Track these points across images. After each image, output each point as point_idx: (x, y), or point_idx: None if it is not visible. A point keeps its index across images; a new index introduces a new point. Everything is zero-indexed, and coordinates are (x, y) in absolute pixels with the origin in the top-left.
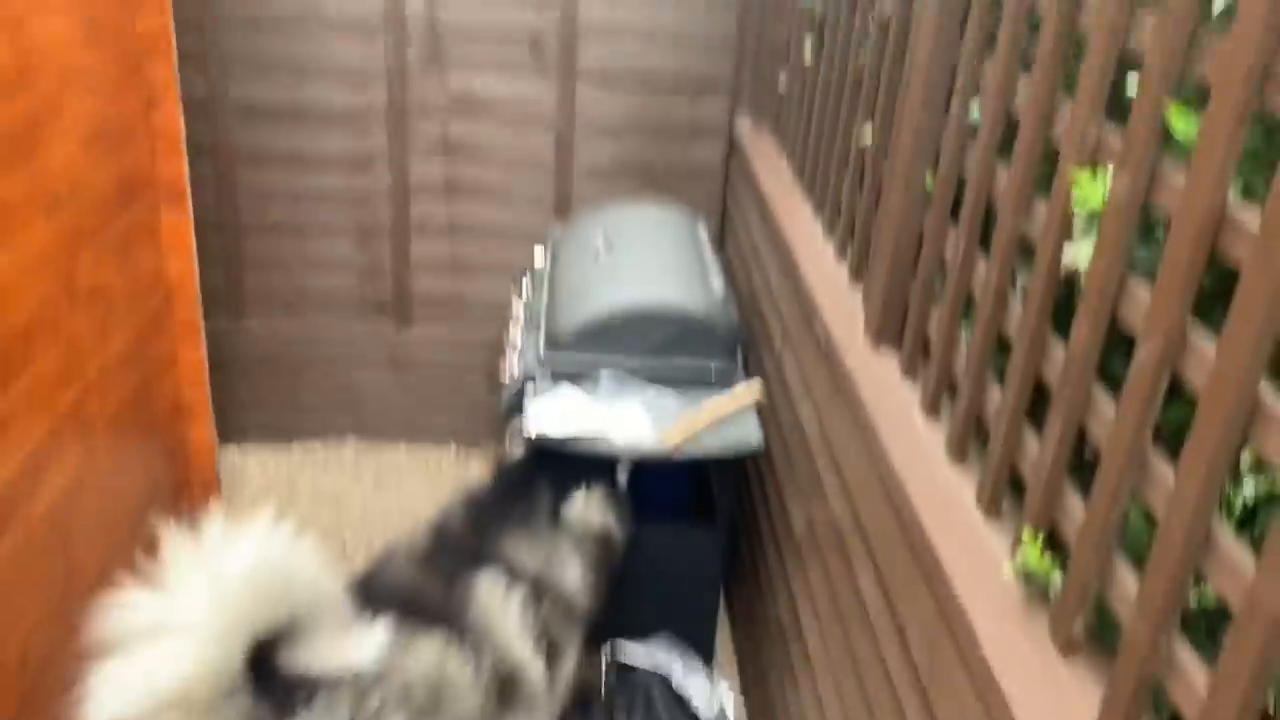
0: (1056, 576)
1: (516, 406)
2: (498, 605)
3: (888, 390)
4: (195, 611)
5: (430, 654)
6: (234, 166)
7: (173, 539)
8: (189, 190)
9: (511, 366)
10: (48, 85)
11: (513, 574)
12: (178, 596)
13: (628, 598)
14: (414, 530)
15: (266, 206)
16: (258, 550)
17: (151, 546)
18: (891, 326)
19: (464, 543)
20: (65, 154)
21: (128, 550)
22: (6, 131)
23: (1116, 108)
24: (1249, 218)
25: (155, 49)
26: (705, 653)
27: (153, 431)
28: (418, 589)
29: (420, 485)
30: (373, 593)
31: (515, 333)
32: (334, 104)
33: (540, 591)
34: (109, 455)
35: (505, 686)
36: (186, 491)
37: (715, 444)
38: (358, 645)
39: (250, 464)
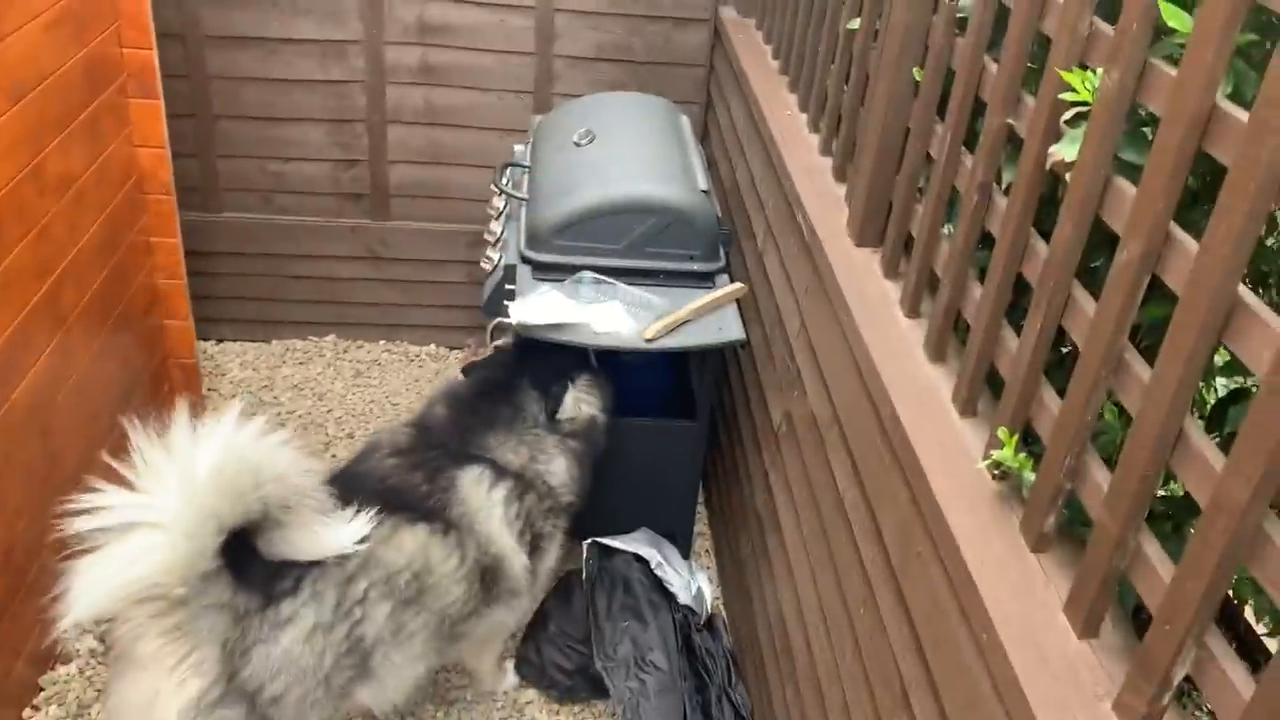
0: (1029, 474)
1: (498, 300)
2: (481, 500)
3: (869, 288)
4: (166, 507)
5: (414, 545)
6: (204, 52)
7: (142, 436)
8: (159, 76)
9: (493, 261)
10: None
11: (496, 470)
12: (148, 493)
13: (609, 491)
14: (396, 427)
15: (238, 93)
16: (225, 444)
17: (128, 438)
18: (874, 224)
19: (447, 439)
20: (27, 39)
21: (107, 440)
22: None
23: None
24: (1238, 116)
25: None
26: (684, 543)
27: (130, 322)
28: (400, 483)
29: (400, 380)
30: (354, 485)
31: (496, 226)
32: None
33: (524, 487)
34: (86, 345)
35: (488, 577)
36: (166, 382)
37: (694, 337)
38: (339, 534)
39: (230, 359)
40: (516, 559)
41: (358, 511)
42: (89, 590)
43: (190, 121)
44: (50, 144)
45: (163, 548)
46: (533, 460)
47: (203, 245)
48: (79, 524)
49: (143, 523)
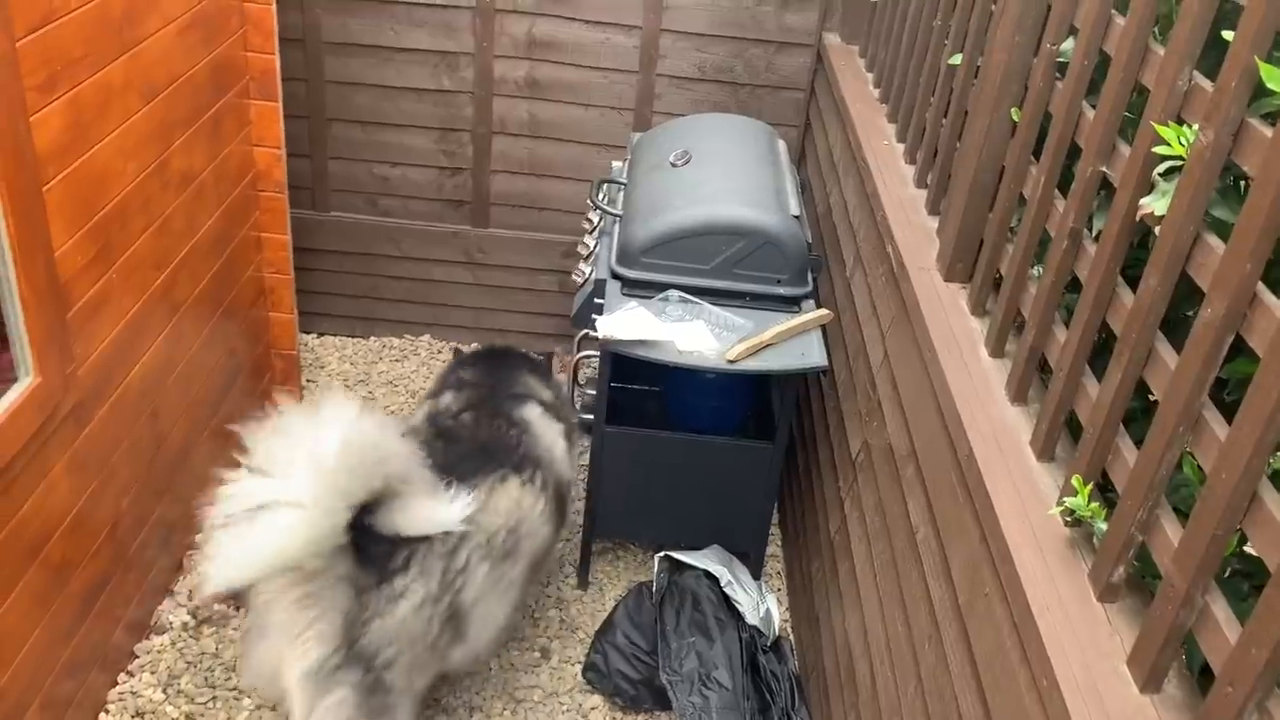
0: (1102, 523)
1: (586, 313)
2: (550, 433)
3: (955, 324)
4: (305, 487)
5: (508, 502)
6: (322, 58)
7: (270, 421)
8: (279, 79)
9: (584, 274)
10: None
11: (545, 405)
12: (284, 475)
13: (683, 506)
14: (424, 401)
15: (353, 99)
16: (350, 426)
17: (233, 422)
18: (964, 260)
19: (492, 391)
20: (162, 42)
21: (210, 424)
22: (107, 20)
23: (1211, 55)
24: None
25: None
26: (755, 564)
27: (237, 312)
28: (486, 436)
29: None
30: (449, 443)
31: (590, 241)
32: None
33: (561, 415)
34: (195, 333)
35: (559, 505)
36: (267, 371)
37: (777, 361)
38: (447, 511)
39: (330, 352)
40: (573, 483)
41: (459, 487)
42: (237, 560)
43: (305, 123)
44: (176, 141)
45: (305, 524)
46: (558, 396)
47: (310, 242)
48: (224, 505)
49: (285, 502)
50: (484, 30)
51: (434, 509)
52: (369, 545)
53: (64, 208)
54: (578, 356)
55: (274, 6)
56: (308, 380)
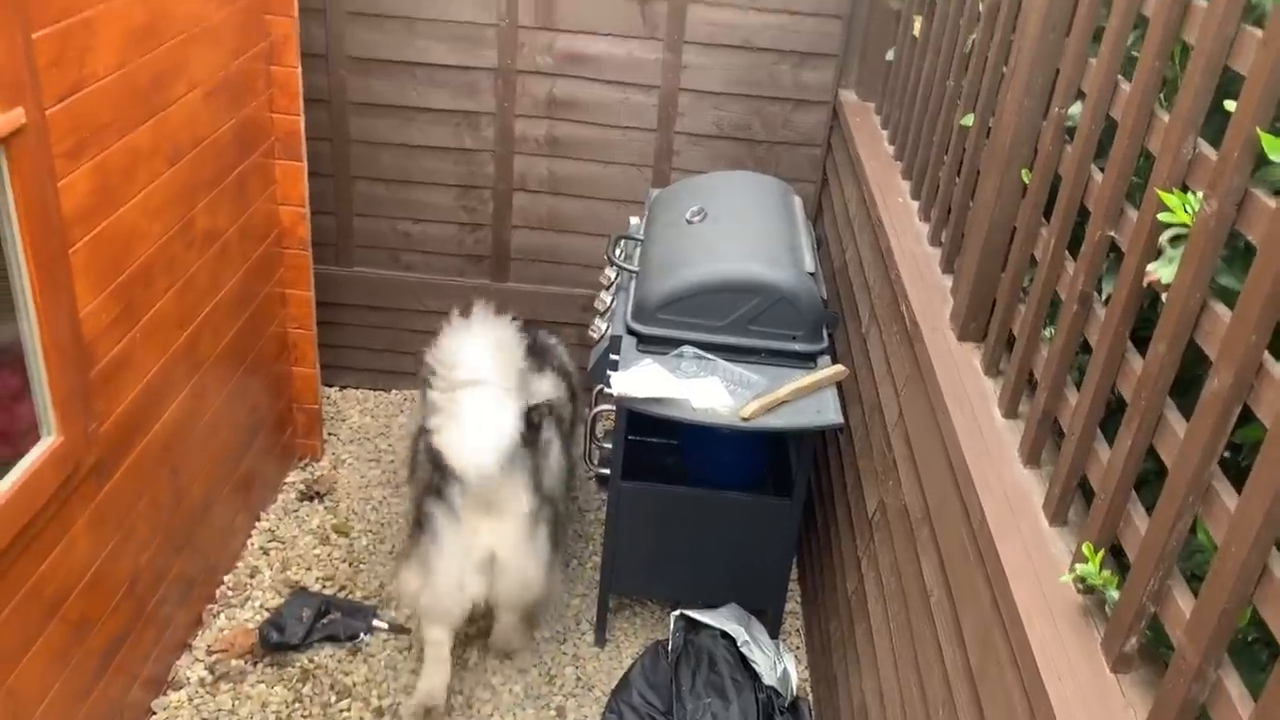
0: (1114, 591)
1: (602, 369)
2: (559, 346)
3: (968, 384)
4: (500, 374)
5: (550, 387)
6: (347, 118)
7: (455, 330)
8: (304, 139)
9: (600, 330)
10: (175, 40)
11: (547, 333)
12: (481, 371)
13: (700, 563)
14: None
15: (376, 157)
16: (501, 334)
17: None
18: (978, 319)
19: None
20: (189, 106)
21: (232, 479)
22: (137, 86)
23: (1214, 121)
24: None
25: (278, 3)
26: (773, 622)
27: (260, 368)
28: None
29: None
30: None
31: (606, 297)
32: (446, 60)
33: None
34: (218, 389)
35: (573, 398)
36: (289, 425)
37: (792, 419)
38: (546, 382)
39: (351, 405)
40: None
41: (544, 372)
42: (489, 444)
43: (330, 181)
44: (201, 201)
45: (508, 399)
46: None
47: (332, 297)
48: (451, 374)
49: (492, 383)
50: (505, 91)
51: (543, 381)
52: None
53: (89, 269)
54: (595, 411)
55: (299, 69)
56: (329, 434)
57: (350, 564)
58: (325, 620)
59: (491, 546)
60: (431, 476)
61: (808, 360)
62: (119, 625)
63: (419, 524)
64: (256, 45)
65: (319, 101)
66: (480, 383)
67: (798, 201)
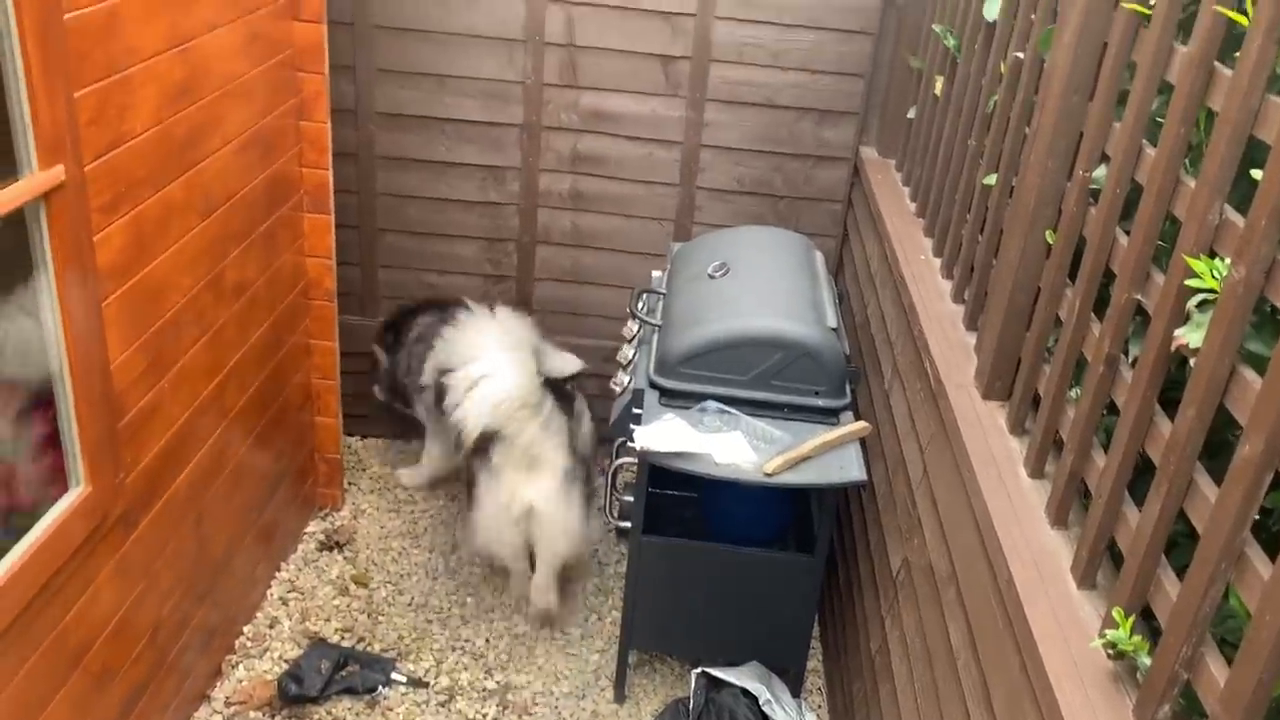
0: (1145, 657)
1: (624, 423)
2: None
3: (993, 443)
4: (508, 355)
5: (572, 363)
6: (374, 171)
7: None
8: (332, 192)
9: (622, 384)
10: (210, 96)
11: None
12: (485, 349)
13: (721, 620)
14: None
15: (403, 210)
16: (508, 322)
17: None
18: (1002, 378)
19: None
20: (222, 160)
21: (254, 528)
22: (173, 141)
23: (1241, 187)
24: None
25: (309, 60)
26: (795, 680)
27: (285, 417)
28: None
29: None
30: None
31: (629, 350)
32: (473, 116)
33: None
34: (243, 439)
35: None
36: (311, 475)
37: (815, 475)
38: (570, 357)
39: (372, 455)
40: None
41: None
42: (491, 399)
43: (355, 233)
44: (231, 254)
45: (520, 371)
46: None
47: (356, 346)
48: (463, 373)
49: (501, 358)
50: (531, 146)
51: (565, 358)
52: (552, 388)
53: (121, 321)
54: (616, 464)
55: (329, 125)
56: (349, 483)
57: (369, 615)
58: (344, 672)
59: (531, 500)
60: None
61: (830, 416)
62: (140, 675)
63: (468, 483)
64: (288, 101)
65: (347, 155)
66: (492, 353)
67: (819, 257)
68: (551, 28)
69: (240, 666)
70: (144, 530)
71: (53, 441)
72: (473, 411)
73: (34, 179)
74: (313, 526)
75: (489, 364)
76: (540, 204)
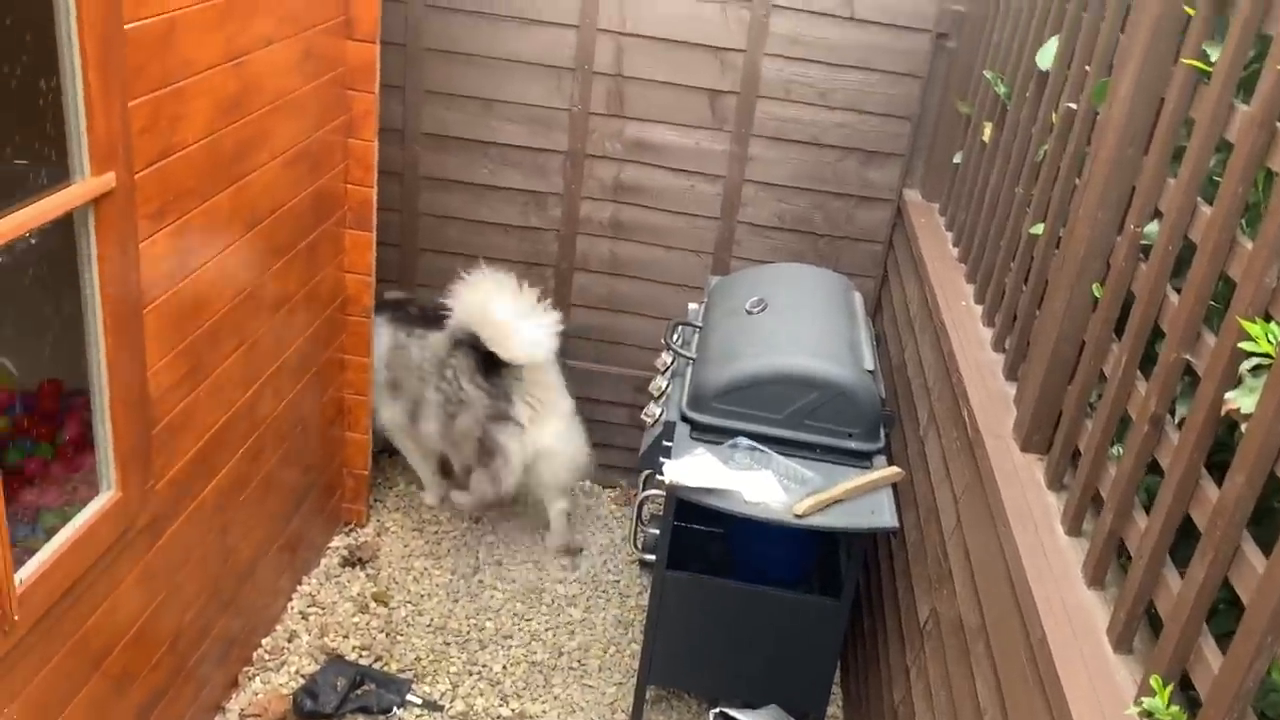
0: None
1: (654, 455)
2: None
3: (1030, 497)
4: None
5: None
6: (418, 191)
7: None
8: (375, 211)
9: (654, 415)
10: (261, 110)
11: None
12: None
13: (741, 661)
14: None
15: (444, 230)
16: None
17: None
18: (1042, 432)
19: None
20: (269, 174)
21: (279, 539)
22: (222, 153)
23: None
24: None
25: (360, 79)
26: None
27: (315, 432)
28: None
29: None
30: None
31: (661, 382)
32: (518, 141)
33: None
34: (274, 450)
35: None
36: (338, 489)
37: (846, 519)
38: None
39: (398, 471)
40: None
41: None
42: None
43: (397, 251)
44: (273, 267)
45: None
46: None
47: None
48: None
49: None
50: (574, 173)
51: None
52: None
53: (161, 329)
54: (642, 495)
55: (375, 143)
56: (374, 500)
57: (388, 634)
58: (359, 691)
59: (544, 445)
60: (485, 409)
61: (863, 459)
62: (158, 682)
63: (485, 449)
64: (337, 118)
65: (392, 174)
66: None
67: (858, 298)
68: (601, 58)
69: (257, 679)
70: (170, 537)
71: (83, 443)
72: (523, 350)
73: (85, 184)
74: (336, 541)
75: (519, 318)
76: (580, 231)
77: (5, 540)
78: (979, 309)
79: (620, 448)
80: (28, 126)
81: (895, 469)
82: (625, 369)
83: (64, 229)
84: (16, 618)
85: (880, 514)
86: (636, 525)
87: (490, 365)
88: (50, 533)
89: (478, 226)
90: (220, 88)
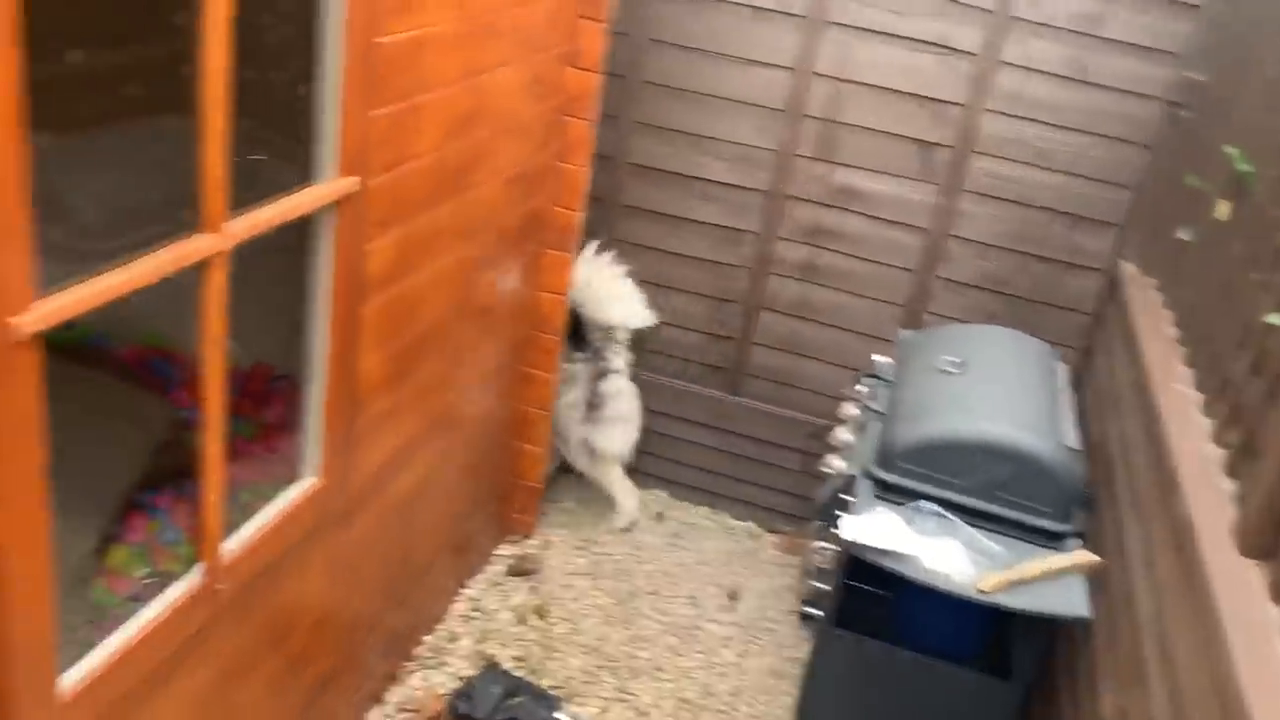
0: None
1: (832, 508)
2: None
3: (1250, 608)
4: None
5: None
6: (617, 218)
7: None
8: (578, 235)
9: (834, 467)
10: (489, 130)
11: None
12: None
13: None
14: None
15: (638, 258)
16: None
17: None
18: (1269, 537)
19: None
20: (489, 191)
21: (452, 542)
22: (448, 167)
23: None
24: None
25: (580, 106)
26: None
27: (497, 442)
28: None
29: (713, 548)
30: None
31: (844, 433)
32: (721, 177)
33: None
34: (460, 455)
35: None
36: (512, 501)
37: (1033, 601)
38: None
39: (566, 490)
40: None
41: None
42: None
43: None
44: (480, 281)
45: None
46: None
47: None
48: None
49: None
50: (772, 213)
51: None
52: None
53: (375, 328)
54: (814, 546)
55: (588, 169)
56: (542, 514)
57: (544, 648)
58: (513, 701)
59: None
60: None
61: (1055, 540)
62: (329, 667)
63: (593, 405)
64: (554, 143)
65: (594, 199)
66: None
67: (1062, 369)
68: (814, 101)
69: (416, 675)
70: (358, 530)
71: (282, 426)
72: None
73: (333, 185)
74: (503, 550)
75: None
76: (771, 271)
77: (220, 514)
78: (1199, 397)
79: (785, 492)
80: (271, 127)
81: (1094, 557)
82: (800, 413)
83: (296, 225)
84: (222, 587)
85: (1073, 601)
86: (802, 576)
87: (577, 336)
88: (245, 508)
89: (671, 257)
90: (453, 105)
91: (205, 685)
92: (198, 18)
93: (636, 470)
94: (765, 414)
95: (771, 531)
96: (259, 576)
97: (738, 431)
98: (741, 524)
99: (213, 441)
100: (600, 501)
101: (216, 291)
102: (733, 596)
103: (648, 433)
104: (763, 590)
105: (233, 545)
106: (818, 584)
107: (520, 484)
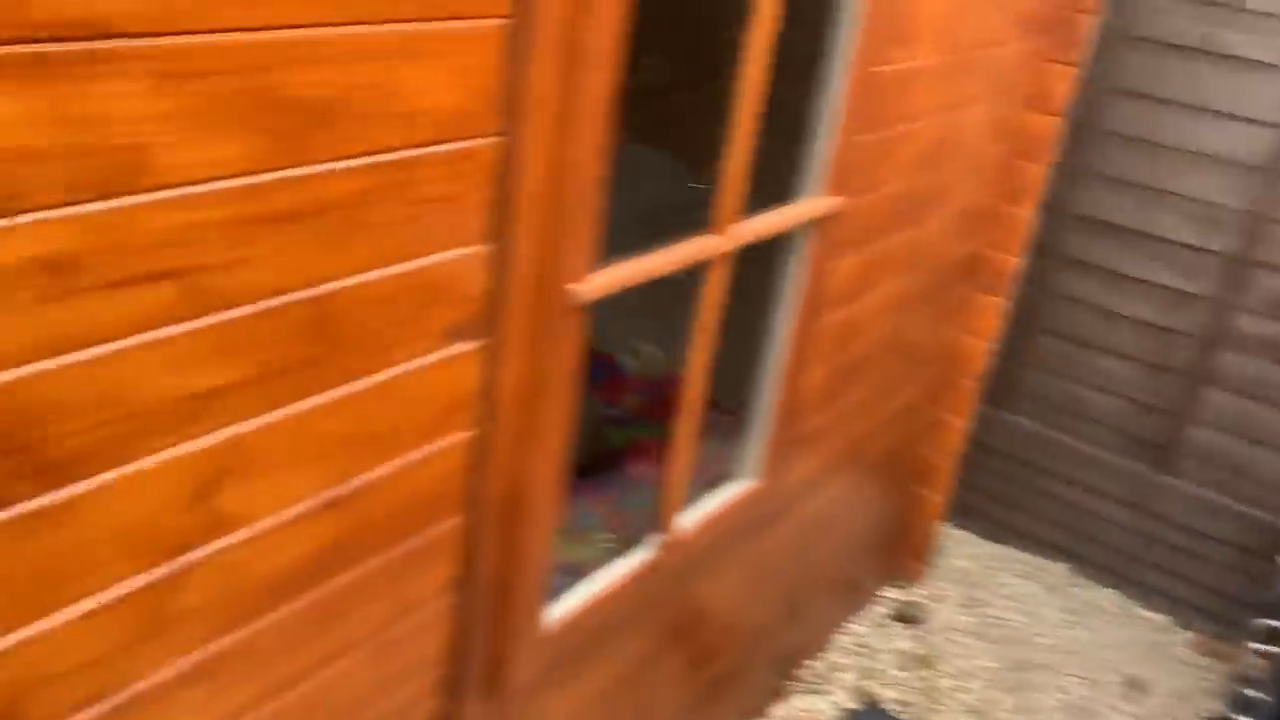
0: None
1: None
2: None
3: None
4: None
5: None
6: (1050, 271)
7: None
8: (1013, 282)
9: None
10: (951, 165)
11: None
12: None
13: None
14: None
15: (1067, 312)
16: None
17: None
18: None
19: None
20: (938, 226)
21: (843, 572)
22: (908, 198)
23: None
24: None
25: (1037, 151)
26: None
27: (899, 480)
28: None
29: (1116, 635)
30: None
31: None
32: (1173, 235)
33: None
34: (866, 487)
35: None
36: (902, 544)
37: None
38: None
39: (957, 544)
40: None
41: None
42: None
43: (1013, 325)
44: (913, 315)
45: None
46: None
47: (979, 435)
48: None
49: None
50: (1233, 279)
51: None
52: None
53: (822, 344)
54: (1255, 648)
55: (1033, 216)
56: (931, 565)
57: (929, 699)
58: None
59: None
60: None
61: None
62: (725, 669)
63: None
64: (1004, 186)
65: (1031, 248)
66: None
67: None
68: None
69: (797, 696)
70: (773, 538)
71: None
72: None
73: (819, 203)
74: (888, 592)
75: None
76: (1226, 344)
77: (681, 495)
78: None
79: (1211, 589)
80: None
81: None
82: (1247, 508)
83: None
84: (675, 561)
85: None
86: (1230, 680)
87: None
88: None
89: (1105, 316)
90: (925, 138)
91: (633, 657)
92: (745, 36)
93: (1036, 537)
94: (1200, 500)
95: (1188, 628)
96: (695, 561)
97: (1163, 514)
98: (1153, 614)
99: (688, 423)
100: (997, 561)
101: (716, 288)
102: (1136, 687)
103: (1051, 498)
104: (1173, 689)
105: (684, 525)
106: (1251, 692)
107: (915, 529)
